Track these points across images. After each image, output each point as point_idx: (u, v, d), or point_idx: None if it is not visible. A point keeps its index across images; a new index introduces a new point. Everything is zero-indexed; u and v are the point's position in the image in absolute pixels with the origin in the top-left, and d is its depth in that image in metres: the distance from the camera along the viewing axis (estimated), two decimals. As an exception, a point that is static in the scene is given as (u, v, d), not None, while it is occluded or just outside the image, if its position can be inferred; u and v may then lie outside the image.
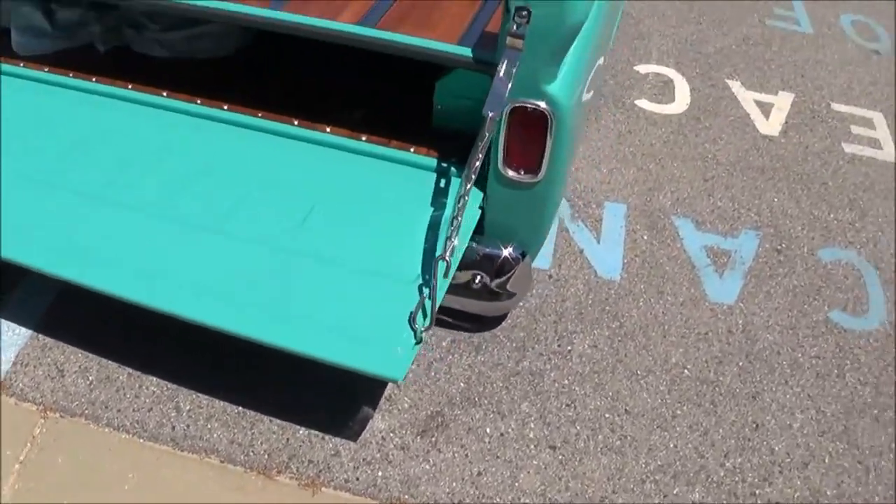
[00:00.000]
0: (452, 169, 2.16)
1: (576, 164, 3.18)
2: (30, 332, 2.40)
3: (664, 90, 3.64)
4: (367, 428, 2.24)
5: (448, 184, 2.15)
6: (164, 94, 2.35)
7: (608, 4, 2.42)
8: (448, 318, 2.50)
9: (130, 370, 2.31)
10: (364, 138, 2.26)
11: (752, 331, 2.62)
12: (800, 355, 2.56)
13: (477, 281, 2.28)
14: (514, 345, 2.52)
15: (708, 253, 2.88)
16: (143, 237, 2.01)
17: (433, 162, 2.19)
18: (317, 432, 2.22)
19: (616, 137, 3.34)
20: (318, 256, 1.97)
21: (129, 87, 2.36)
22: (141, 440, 2.17)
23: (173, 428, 2.20)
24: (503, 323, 2.57)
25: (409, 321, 1.82)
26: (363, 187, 2.18)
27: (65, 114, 2.34)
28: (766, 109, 3.61)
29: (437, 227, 2.03)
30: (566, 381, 2.42)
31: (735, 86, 3.72)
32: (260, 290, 1.91)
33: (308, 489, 2.10)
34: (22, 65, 2.42)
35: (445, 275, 1.91)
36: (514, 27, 1.86)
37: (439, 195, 2.13)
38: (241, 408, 2.25)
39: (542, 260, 2.77)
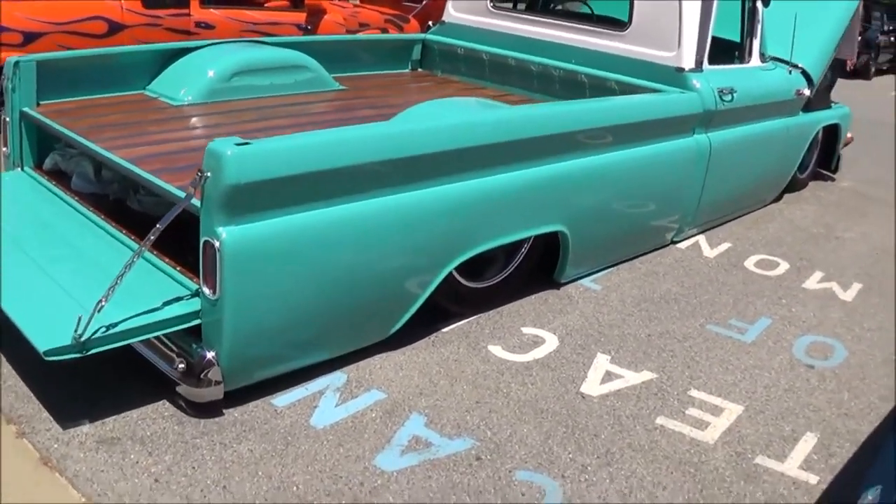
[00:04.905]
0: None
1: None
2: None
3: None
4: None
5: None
6: (111, 224, 3.95)
7: None
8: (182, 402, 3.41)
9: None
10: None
11: None
12: None
13: (177, 366, 3.27)
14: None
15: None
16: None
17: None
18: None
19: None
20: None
21: (101, 217, 4.03)
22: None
23: None
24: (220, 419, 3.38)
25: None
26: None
27: (60, 216, 4.15)
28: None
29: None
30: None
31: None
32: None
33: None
34: (68, 194, 4.26)
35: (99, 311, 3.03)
36: (196, 180, 3.07)
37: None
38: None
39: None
